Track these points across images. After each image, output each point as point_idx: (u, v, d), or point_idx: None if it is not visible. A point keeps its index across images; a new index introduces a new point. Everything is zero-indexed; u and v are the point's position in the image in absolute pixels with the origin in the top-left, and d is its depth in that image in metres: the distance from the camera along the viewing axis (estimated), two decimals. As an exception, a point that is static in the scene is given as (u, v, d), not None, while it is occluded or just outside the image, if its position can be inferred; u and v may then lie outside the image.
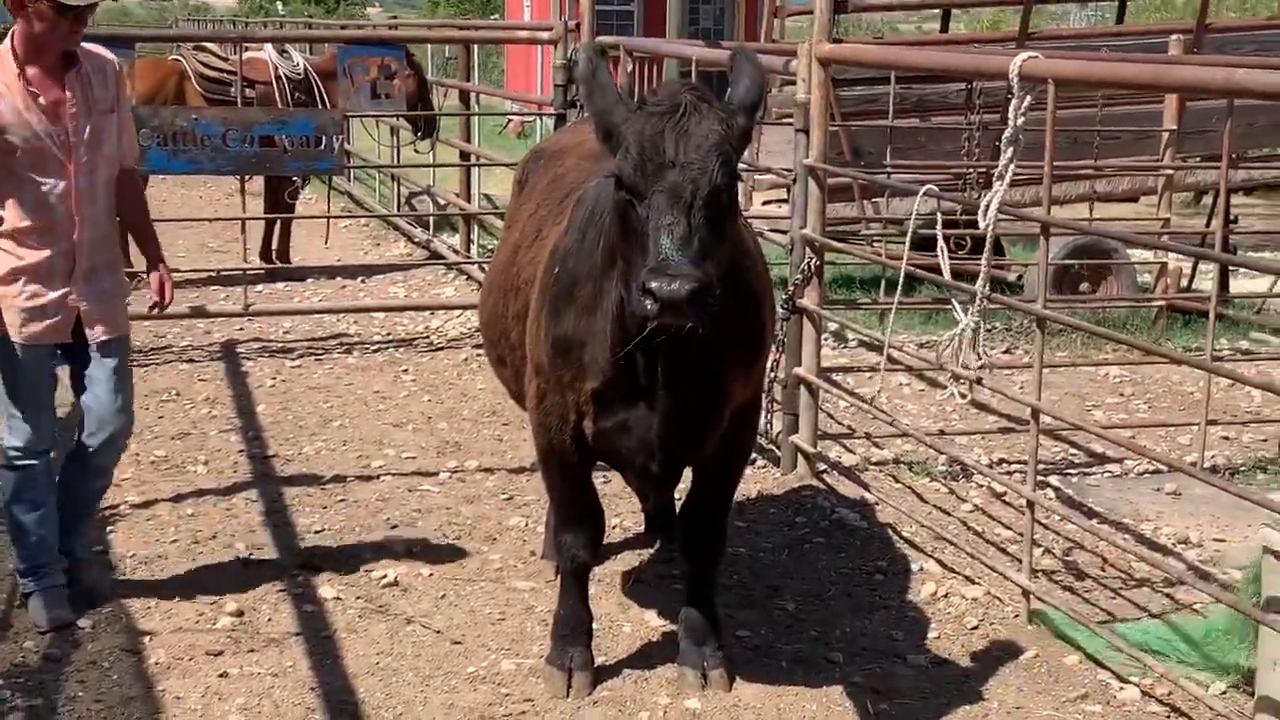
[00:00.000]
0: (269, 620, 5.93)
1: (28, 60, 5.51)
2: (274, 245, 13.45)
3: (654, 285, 4.05)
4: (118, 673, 5.45)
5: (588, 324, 4.86)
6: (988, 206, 6.00)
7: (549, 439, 5.20)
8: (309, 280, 12.89)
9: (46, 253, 5.56)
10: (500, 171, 14.41)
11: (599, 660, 5.49)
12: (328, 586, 6.29)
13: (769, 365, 6.95)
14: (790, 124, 8.05)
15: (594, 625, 5.55)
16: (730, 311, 4.55)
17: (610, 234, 4.62)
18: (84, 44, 5.66)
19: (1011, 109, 5.93)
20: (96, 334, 5.71)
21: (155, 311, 6.06)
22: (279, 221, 13.14)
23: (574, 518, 5.40)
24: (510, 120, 24.58)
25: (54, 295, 5.59)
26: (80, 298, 5.64)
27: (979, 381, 6.57)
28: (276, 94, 12.85)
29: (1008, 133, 5.96)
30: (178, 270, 9.66)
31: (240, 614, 5.96)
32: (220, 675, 5.43)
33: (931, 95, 13.12)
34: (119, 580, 6.21)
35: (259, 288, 11.70)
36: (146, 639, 5.71)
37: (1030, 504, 6.21)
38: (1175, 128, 11.78)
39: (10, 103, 5.45)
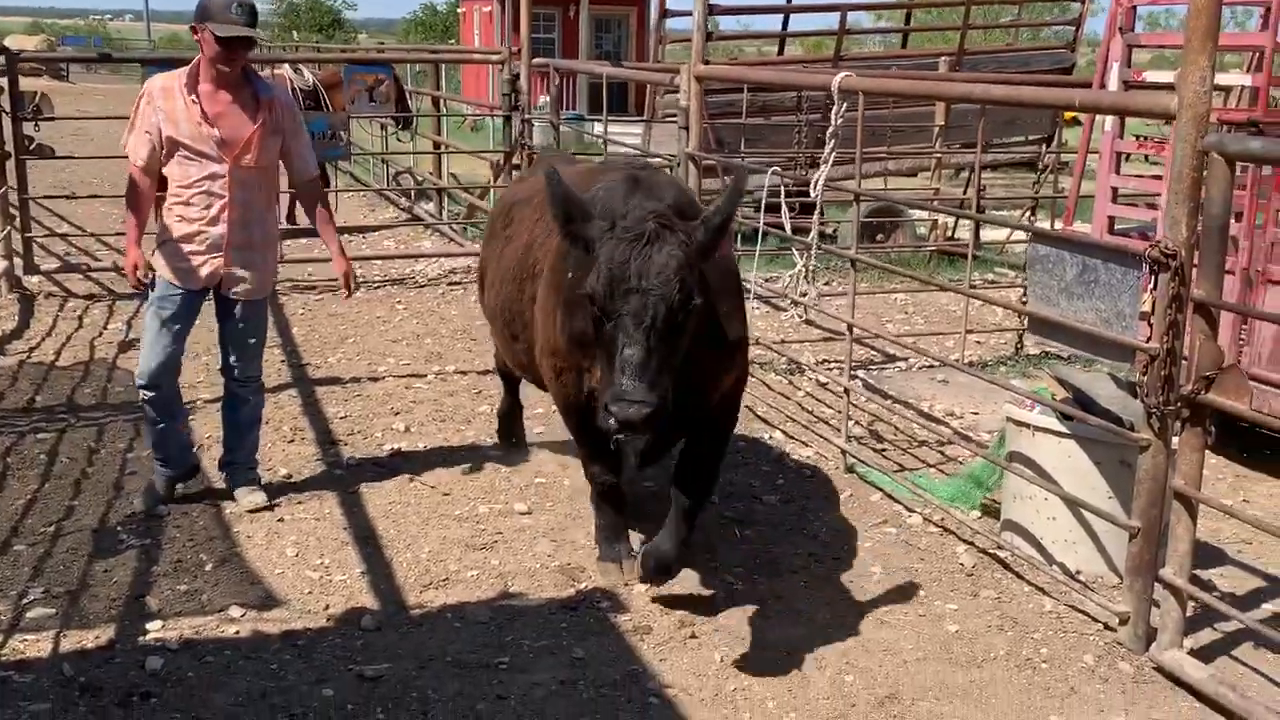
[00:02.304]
0: (310, 481, 5.93)
1: (203, 76, 5.25)
2: (294, 211, 13.21)
3: (614, 409, 3.68)
4: (203, 520, 5.44)
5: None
6: (817, 181, 6.10)
7: (567, 400, 4.71)
8: (324, 237, 12.65)
9: (202, 223, 5.29)
10: (464, 156, 14.27)
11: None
12: (351, 456, 6.31)
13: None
14: (675, 122, 8.08)
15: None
16: (711, 329, 4.27)
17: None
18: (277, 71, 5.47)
19: (834, 112, 6.02)
20: (237, 293, 5.42)
21: (345, 295, 5.73)
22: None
23: (595, 454, 4.81)
24: (467, 118, 24.21)
25: (205, 256, 5.32)
26: (228, 263, 5.35)
27: (810, 306, 6.69)
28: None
29: (830, 129, 6.05)
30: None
31: (289, 476, 5.97)
32: (278, 520, 5.45)
33: (773, 101, 13.16)
34: (201, 453, 6.18)
35: (287, 242, 11.55)
36: (222, 497, 5.67)
37: (846, 390, 6.36)
38: (944, 123, 11.94)
39: (181, 110, 5.20)
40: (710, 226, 3.97)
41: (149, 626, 4.46)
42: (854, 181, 6.19)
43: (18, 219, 9.75)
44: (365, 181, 17.56)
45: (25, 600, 4.64)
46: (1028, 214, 11.79)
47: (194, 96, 5.23)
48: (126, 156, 5.35)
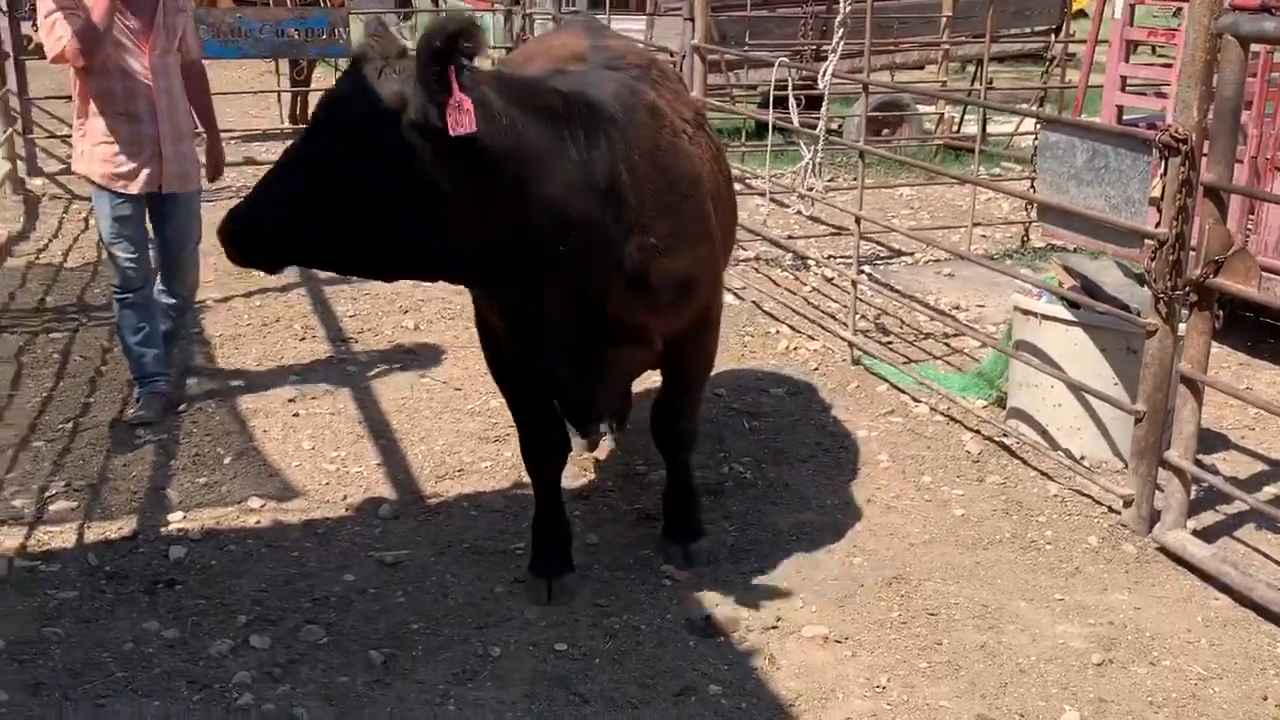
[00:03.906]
0: (323, 377, 5.98)
1: None
2: (296, 110, 13.09)
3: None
4: (219, 415, 5.51)
5: None
6: (825, 71, 6.05)
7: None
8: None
9: (136, 122, 5.21)
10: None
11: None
12: (363, 353, 6.35)
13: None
14: (679, 15, 7.98)
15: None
16: (631, 249, 3.52)
17: None
18: None
19: (842, 1, 5.96)
20: (174, 188, 5.36)
21: (209, 176, 5.70)
22: (297, 94, 12.77)
23: (517, 415, 4.10)
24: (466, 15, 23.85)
25: (143, 156, 5.24)
26: (165, 159, 5.28)
27: (816, 200, 6.68)
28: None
29: (839, 18, 5.99)
30: (230, 131, 9.55)
31: (301, 373, 6.03)
32: (294, 415, 5.52)
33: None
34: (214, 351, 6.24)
35: (289, 141, 11.48)
36: (237, 392, 5.76)
37: (854, 283, 6.38)
38: (950, 14, 11.77)
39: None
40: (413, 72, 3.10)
41: (170, 518, 4.56)
42: (863, 73, 6.14)
43: (19, 122, 9.69)
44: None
45: (47, 494, 4.73)
46: (1035, 106, 11.65)
47: None
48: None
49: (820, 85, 6.04)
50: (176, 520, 4.53)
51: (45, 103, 10.73)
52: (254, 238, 3.21)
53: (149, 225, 5.48)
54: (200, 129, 5.71)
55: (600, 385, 3.82)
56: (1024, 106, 9.90)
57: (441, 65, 3.07)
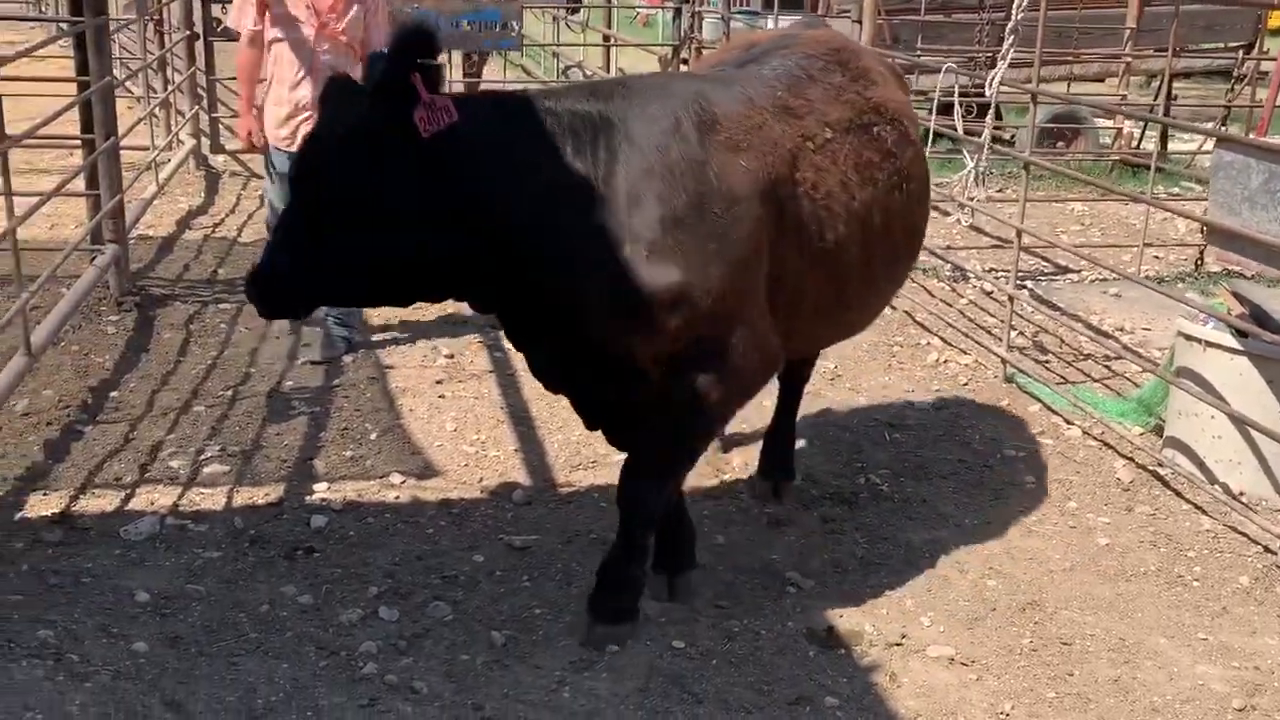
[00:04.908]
0: (471, 361, 6.10)
1: None
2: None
3: None
4: (370, 393, 5.68)
5: None
6: (993, 79, 5.91)
7: None
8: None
9: (302, 90, 5.72)
10: (631, 50, 14.21)
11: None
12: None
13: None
14: (849, 17, 7.89)
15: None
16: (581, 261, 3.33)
17: None
18: None
19: (1014, 6, 5.81)
20: None
21: None
22: (467, 84, 13.04)
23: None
24: (639, 13, 24.05)
25: (298, 117, 5.73)
26: None
27: (976, 209, 6.53)
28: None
29: (1010, 24, 5.85)
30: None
31: (451, 356, 6.15)
32: (440, 396, 5.65)
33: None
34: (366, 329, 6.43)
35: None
36: (388, 371, 5.93)
37: (1010, 298, 6.22)
38: (1135, 26, 11.35)
39: None
40: (372, 98, 3.22)
41: (315, 487, 4.72)
42: (1033, 83, 5.97)
43: (205, 100, 10.15)
44: (534, 74, 17.65)
45: (203, 457, 4.95)
46: (1219, 125, 11.16)
47: None
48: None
49: (988, 94, 5.89)
50: (320, 490, 4.69)
51: (231, 82, 11.21)
52: (273, 295, 3.41)
53: None
54: None
55: (590, 398, 3.73)
56: (1205, 125, 9.46)
57: (404, 73, 3.12)
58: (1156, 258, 8.63)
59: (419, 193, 3.23)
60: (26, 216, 5.23)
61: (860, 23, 7.46)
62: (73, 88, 6.72)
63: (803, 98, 3.73)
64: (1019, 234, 6.10)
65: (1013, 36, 5.81)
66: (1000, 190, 10.31)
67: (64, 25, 6.88)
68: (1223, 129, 10.34)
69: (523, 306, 3.48)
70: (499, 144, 3.32)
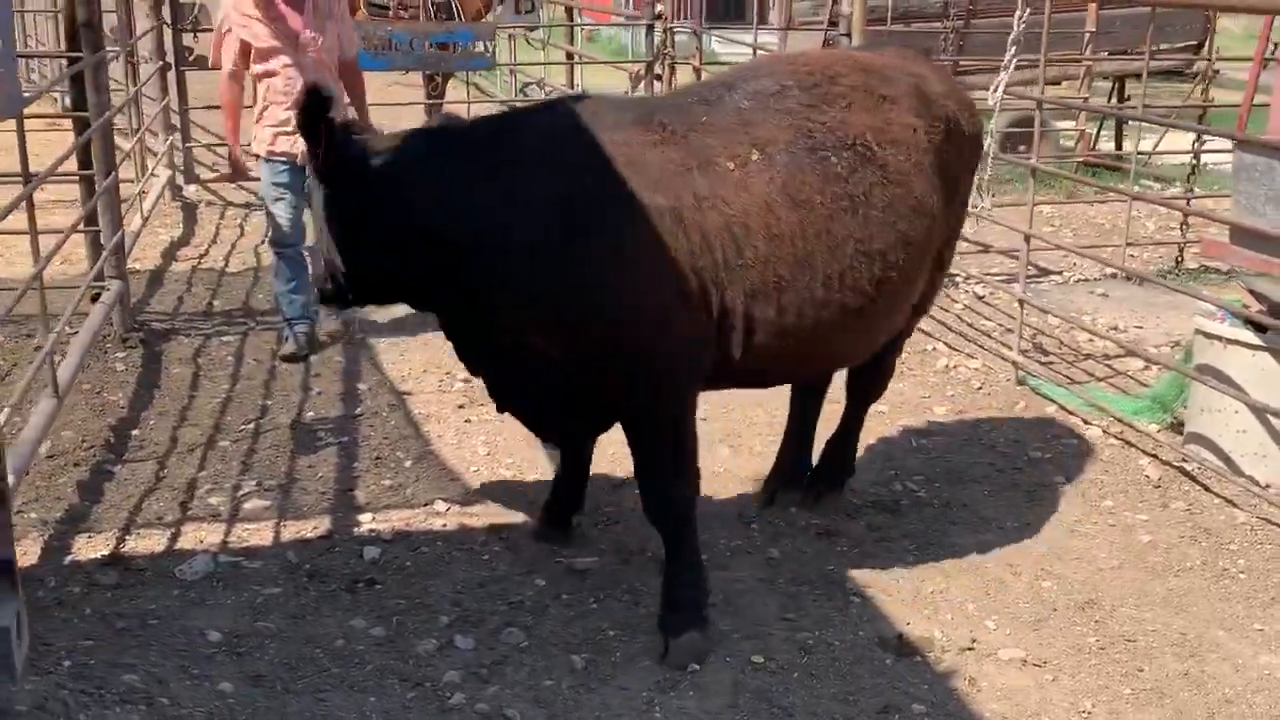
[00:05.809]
0: (488, 385, 6.09)
1: None
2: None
3: None
4: (393, 420, 5.65)
5: None
6: (996, 88, 6.02)
7: None
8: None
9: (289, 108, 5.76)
10: (594, 67, 14.26)
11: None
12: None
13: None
14: (814, 30, 7.98)
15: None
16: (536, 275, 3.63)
17: None
18: None
19: (1016, 17, 5.93)
20: None
21: None
22: (430, 107, 12.98)
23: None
24: (585, 28, 24.05)
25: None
26: None
27: (983, 218, 6.64)
28: (422, 12, 12.55)
29: (1012, 35, 5.96)
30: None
31: (468, 380, 6.01)
32: (465, 421, 5.63)
33: (913, 8, 12.75)
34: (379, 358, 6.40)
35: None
36: (407, 398, 5.90)
37: (1021, 302, 6.33)
38: (1094, 29, 11.60)
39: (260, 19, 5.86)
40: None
41: (360, 518, 4.69)
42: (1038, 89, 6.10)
43: (179, 131, 10.02)
44: (491, 93, 17.59)
45: (240, 492, 4.89)
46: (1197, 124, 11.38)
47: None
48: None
49: (990, 102, 5.99)
50: (367, 521, 4.66)
51: (202, 112, 11.07)
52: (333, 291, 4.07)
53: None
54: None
55: (521, 402, 4.12)
56: (1190, 124, 9.65)
57: (313, 124, 3.67)
58: (1132, 256, 8.78)
59: (369, 218, 3.78)
60: (52, 255, 5.14)
61: (849, 35, 7.55)
62: (58, 121, 6.64)
63: (733, 120, 3.82)
64: (1027, 239, 6.22)
65: (1015, 47, 5.91)
66: (993, 195, 10.41)
67: (64, 63, 6.77)
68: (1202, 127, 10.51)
69: (457, 310, 3.94)
70: (403, 178, 3.78)
